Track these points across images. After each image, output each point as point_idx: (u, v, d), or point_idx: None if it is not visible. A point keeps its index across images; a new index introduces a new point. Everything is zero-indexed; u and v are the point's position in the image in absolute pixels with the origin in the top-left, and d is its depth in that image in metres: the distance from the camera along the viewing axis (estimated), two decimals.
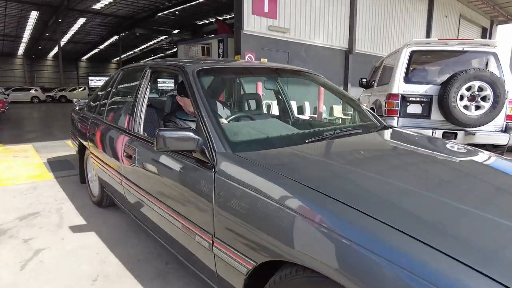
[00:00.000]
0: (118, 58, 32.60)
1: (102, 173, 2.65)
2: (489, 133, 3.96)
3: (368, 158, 1.55)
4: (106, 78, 3.74)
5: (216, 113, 1.66)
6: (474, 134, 3.91)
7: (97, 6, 19.47)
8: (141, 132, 2.06)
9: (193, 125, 2.20)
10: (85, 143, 3.08)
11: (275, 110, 6.09)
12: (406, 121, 4.15)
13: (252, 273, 1.21)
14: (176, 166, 1.62)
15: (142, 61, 2.79)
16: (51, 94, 25.83)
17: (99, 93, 3.21)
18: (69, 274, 1.99)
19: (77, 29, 25.25)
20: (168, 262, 2.14)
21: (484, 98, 3.78)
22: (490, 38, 19.79)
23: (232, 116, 2.29)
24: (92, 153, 2.84)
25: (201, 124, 1.51)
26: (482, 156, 1.69)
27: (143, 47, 33.37)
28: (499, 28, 21.29)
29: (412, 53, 4.21)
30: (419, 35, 13.23)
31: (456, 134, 4.01)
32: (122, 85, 2.86)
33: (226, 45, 8.28)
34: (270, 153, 1.45)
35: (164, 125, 2.23)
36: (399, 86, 4.15)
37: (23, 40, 29.52)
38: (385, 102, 4.24)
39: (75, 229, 2.60)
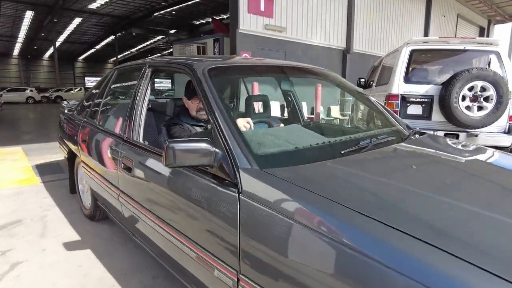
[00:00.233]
0: (114, 58, 32.36)
1: (95, 185, 2.38)
2: (492, 134, 3.83)
3: (424, 175, 1.31)
4: None
5: (234, 120, 1.41)
6: (476, 135, 3.79)
7: (93, 5, 19.31)
8: (141, 140, 1.81)
9: (200, 131, 2.00)
10: (75, 150, 2.80)
11: (276, 111, 5.92)
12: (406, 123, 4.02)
13: None
14: (187, 182, 1.38)
15: (138, 60, 2.44)
16: (47, 94, 25.59)
17: (91, 94, 2.97)
18: None
19: (73, 29, 25.07)
20: (156, 276, 1.99)
21: (487, 99, 3.65)
22: (488, 37, 19.73)
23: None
24: (84, 162, 2.56)
25: (217, 134, 1.27)
26: None
27: (139, 47, 33.18)
28: (496, 27, 21.26)
29: (412, 52, 4.08)
30: (417, 34, 13.13)
31: (457, 136, 3.88)
32: (118, 86, 2.65)
33: (222, 44, 8.14)
34: (306, 169, 1.21)
35: (168, 131, 1.95)
36: (399, 86, 4.02)
37: (18, 40, 29.27)
38: (385, 103, 4.11)
39: (59, 239, 2.45)
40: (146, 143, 1.81)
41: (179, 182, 1.42)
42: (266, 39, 7.70)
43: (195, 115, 1.99)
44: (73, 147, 2.85)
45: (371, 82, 5.43)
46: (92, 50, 35.05)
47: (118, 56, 31.49)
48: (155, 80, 3.03)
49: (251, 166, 1.17)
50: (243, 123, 1.75)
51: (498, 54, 3.91)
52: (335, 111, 8.23)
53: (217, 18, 19.43)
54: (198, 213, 1.29)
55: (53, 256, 2.21)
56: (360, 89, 2.29)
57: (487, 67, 3.90)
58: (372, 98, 2.21)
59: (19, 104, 22.05)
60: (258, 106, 2.60)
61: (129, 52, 35.79)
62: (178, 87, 9.95)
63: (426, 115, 4.01)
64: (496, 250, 0.80)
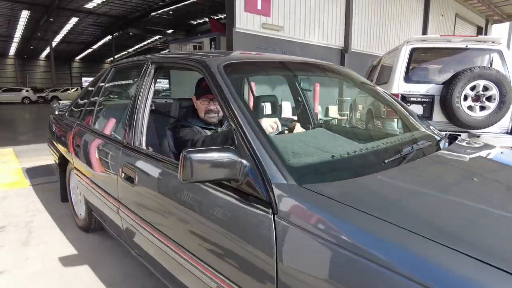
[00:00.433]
0: (111, 58, 32.20)
1: (90, 195, 2.16)
2: (494, 135, 3.74)
3: (494, 190, 1.16)
4: None
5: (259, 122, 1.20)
6: (478, 136, 3.69)
7: (89, 5, 19.13)
8: (143, 146, 1.61)
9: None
10: (67, 155, 2.58)
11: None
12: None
13: None
14: (205, 198, 1.17)
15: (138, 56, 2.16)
16: (43, 94, 25.38)
17: (85, 94, 2.75)
18: None
19: (69, 28, 24.86)
20: (143, 286, 1.88)
21: (489, 98, 3.55)
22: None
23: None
24: (77, 169, 2.34)
25: (242, 141, 1.08)
26: None
27: (137, 47, 32.99)
28: (494, 27, 21.23)
29: (413, 50, 3.97)
30: (415, 34, 13.05)
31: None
32: (115, 86, 2.46)
33: (219, 43, 8.02)
34: (355, 185, 1.03)
35: (174, 134, 1.74)
36: (399, 85, 3.92)
37: (14, 40, 29.02)
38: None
39: (43, 247, 2.32)
40: (150, 149, 1.60)
41: (194, 198, 1.21)
42: (263, 38, 7.59)
43: (203, 117, 1.80)
44: (64, 152, 2.64)
45: (371, 82, 5.32)
46: (89, 50, 34.81)
47: (115, 56, 31.32)
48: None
49: (287, 181, 0.98)
50: (270, 124, 1.52)
51: (500, 53, 3.81)
52: (333, 111, 8.14)
53: (215, 17, 19.34)
54: (220, 236, 1.08)
55: (36, 265, 2.09)
56: (382, 90, 2.05)
57: (489, 66, 3.80)
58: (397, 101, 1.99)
59: (14, 105, 21.85)
60: (265, 107, 2.41)
61: (126, 52, 35.57)
62: (175, 87, 9.81)
63: (427, 115, 3.90)
64: None
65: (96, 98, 2.37)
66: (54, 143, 2.97)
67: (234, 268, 1.04)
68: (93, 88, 2.52)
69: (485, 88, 3.53)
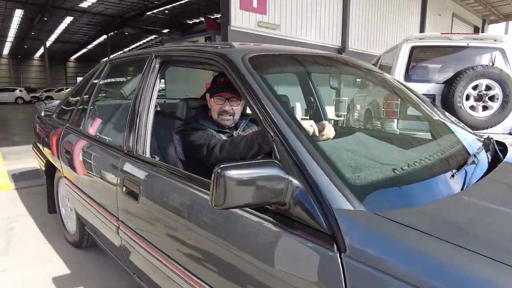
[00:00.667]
0: (107, 58, 31.92)
1: (82, 209, 1.92)
2: (497, 136, 3.62)
3: None
4: None
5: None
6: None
7: (84, 4, 18.94)
8: (148, 154, 1.40)
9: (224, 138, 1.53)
10: (54, 162, 2.31)
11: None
12: (406, 124, 3.80)
13: None
14: (236, 223, 0.93)
15: (139, 50, 1.96)
16: (37, 95, 25.09)
17: (76, 93, 2.49)
18: None
19: (64, 28, 24.65)
20: None
21: (492, 98, 3.44)
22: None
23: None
24: (67, 178, 2.09)
25: (285, 152, 0.85)
26: None
27: (132, 47, 32.77)
28: (490, 27, 21.26)
29: (413, 49, 3.86)
30: (413, 33, 13.01)
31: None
32: (111, 84, 2.25)
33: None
34: (441, 211, 0.82)
35: (183, 139, 1.53)
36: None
37: (8, 39, 28.73)
38: (384, 103, 3.88)
39: (23, 256, 2.17)
40: (157, 158, 1.42)
41: (221, 223, 0.97)
42: (259, 37, 7.46)
43: (216, 118, 1.58)
44: (52, 159, 2.38)
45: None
46: (84, 50, 34.57)
47: (111, 56, 31.06)
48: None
49: (354, 206, 0.76)
50: (306, 127, 1.21)
51: (503, 51, 3.70)
52: (330, 112, 8.03)
53: (211, 17, 19.21)
54: (261, 274, 0.84)
55: (13, 277, 1.95)
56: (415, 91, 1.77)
57: (492, 64, 3.69)
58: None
59: (7, 105, 21.58)
60: None
61: (121, 52, 35.38)
62: (170, 85, 9.64)
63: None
64: None
65: (89, 98, 2.12)
66: (40, 147, 2.71)
67: None
68: (85, 87, 2.27)
69: (488, 88, 3.42)
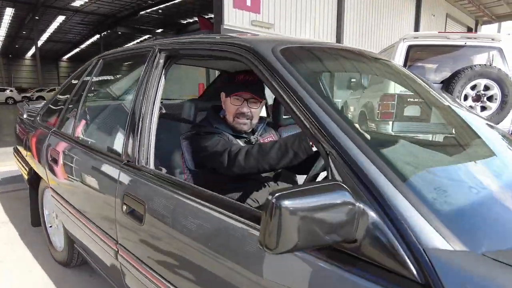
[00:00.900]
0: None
1: (72, 226, 1.69)
2: None
3: None
4: None
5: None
6: None
7: (76, 3, 18.72)
8: (151, 166, 1.19)
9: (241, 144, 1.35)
10: (39, 171, 2.08)
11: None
12: (402, 125, 3.71)
13: None
14: (285, 262, 0.71)
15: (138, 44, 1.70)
16: (28, 95, 24.76)
17: (64, 92, 2.28)
18: None
19: (56, 27, 24.36)
20: None
21: (490, 98, 3.38)
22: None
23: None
24: (54, 190, 1.85)
25: (348, 172, 0.66)
26: None
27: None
28: (483, 28, 21.43)
29: (409, 48, 3.78)
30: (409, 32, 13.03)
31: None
32: (105, 83, 2.05)
33: None
34: None
35: (193, 145, 1.36)
36: (395, 85, 3.71)
37: None
38: (379, 104, 3.79)
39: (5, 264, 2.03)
40: (164, 171, 1.23)
41: (259, 259, 0.76)
42: None
43: (231, 121, 1.39)
44: (36, 167, 2.13)
45: None
46: (77, 50, 34.22)
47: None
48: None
49: (451, 243, 0.57)
50: None
51: (500, 51, 3.64)
52: None
53: (205, 17, 19.09)
54: None
55: None
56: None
57: (490, 64, 3.63)
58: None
59: None
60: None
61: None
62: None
63: (424, 116, 3.70)
64: None
65: (79, 99, 1.89)
66: (22, 153, 2.47)
67: None
68: (74, 87, 2.04)
69: (486, 88, 3.35)
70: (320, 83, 1.23)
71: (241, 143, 1.37)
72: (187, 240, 0.93)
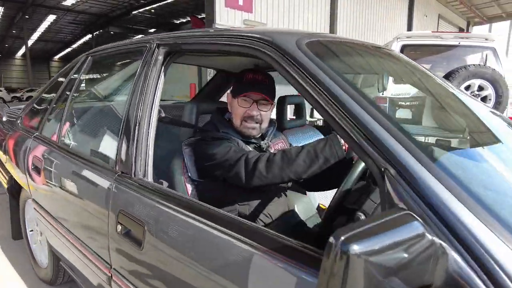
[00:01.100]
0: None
1: (57, 243, 1.53)
2: None
3: None
4: None
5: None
6: None
7: (68, 2, 18.50)
8: (150, 178, 1.05)
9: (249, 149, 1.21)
10: (20, 180, 1.91)
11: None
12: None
13: None
14: None
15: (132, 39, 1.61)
16: (18, 95, 24.41)
17: (48, 91, 2.12)
18: None
19: (46, 26, 24.04)
20: None
21: (484, 99, 3.34)
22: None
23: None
24: (36, 202, 1.69)
25: (416, 197, 0.53)
26: None
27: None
28: (474, 29, 21.67)
29: (403, 47, 3.73)
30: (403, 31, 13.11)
31: (450, 142, 3.56)
32: (95, 83, 1.91)
33: None
34: None
35: (199, 151, 1.21)
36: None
37: None
38: None
39: None
40: (166, 185, 1.09)
41: None
42: None
43: (238, 125, 1.25)
44: (17, 176, 1.96)
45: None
46: (69, 49, 33.85)
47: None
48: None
49: None
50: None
51: (494, 50, 3.62)
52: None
53: (199, 16, 19.02)
54: None
55: None
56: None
57: (484, 64, 3.60)
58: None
59: None
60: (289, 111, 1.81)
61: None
62: None
63: (416, 119, 3.66)
64: None
65: (65, 101, 1.72)
66: (1, 159, 2.28)
67: None
68: (59, 88, 1.86)
69: (480, 88, 3.32)
70: (355, 82, 1.11)
71: (251, 149, 1.23)
72: (198, 269, 0.78)
